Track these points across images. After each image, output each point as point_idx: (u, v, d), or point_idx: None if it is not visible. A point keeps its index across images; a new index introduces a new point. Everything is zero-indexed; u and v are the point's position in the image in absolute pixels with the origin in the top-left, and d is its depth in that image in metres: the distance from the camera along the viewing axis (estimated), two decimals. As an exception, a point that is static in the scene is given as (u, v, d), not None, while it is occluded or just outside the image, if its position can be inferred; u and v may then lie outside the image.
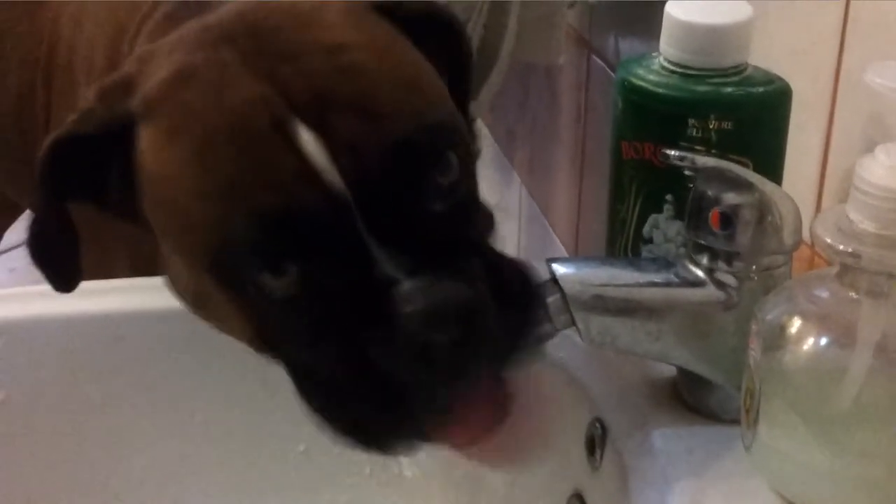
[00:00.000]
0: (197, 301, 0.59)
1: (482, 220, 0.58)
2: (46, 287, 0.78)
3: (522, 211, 1.49)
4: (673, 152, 0.55)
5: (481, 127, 1.60)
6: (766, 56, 0.67)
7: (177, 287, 0.61)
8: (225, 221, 0.51)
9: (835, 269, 0.53)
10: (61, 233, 0.58)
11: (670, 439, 0.60)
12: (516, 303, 0.55)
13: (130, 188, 0.57)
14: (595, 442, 0.64)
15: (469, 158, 0.57)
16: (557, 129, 1.29)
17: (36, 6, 0.87)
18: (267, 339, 0.56)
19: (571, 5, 1.03)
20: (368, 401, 0.53)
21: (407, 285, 0.50)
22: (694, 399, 0.62)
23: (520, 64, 1.25)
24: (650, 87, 0.63)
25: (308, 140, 0.51)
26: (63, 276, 0.61)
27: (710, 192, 0.57)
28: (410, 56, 0.57)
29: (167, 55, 0.57)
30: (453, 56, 0.63)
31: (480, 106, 1.01)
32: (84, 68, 0.76)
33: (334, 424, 0.56)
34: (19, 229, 1.44)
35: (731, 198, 0.57)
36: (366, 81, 0.53)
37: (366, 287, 0.51)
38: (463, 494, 0.73)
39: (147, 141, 0.55)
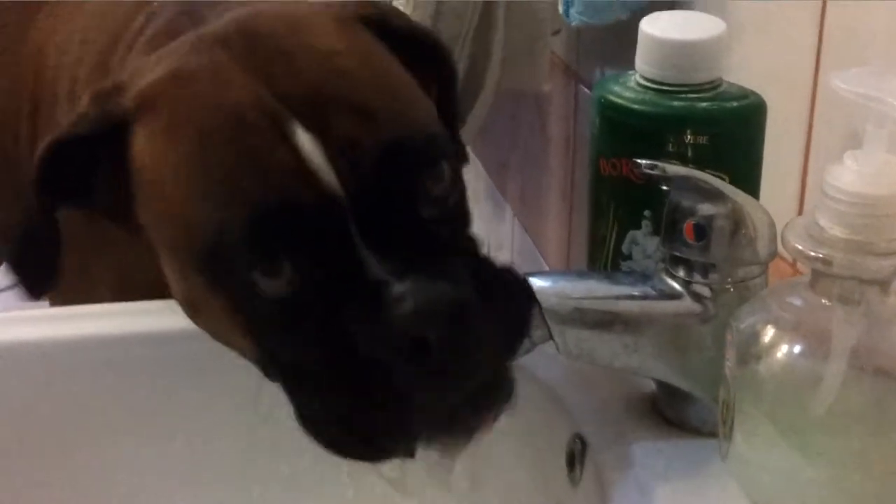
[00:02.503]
0: (191, 305, 0.59)
1: (471, 235, 0.59)
2: (26, 312, 0.79)
3: (515, 244, 1.49)
4: (644, 161, 0.56)
5: (473, 159, 1.61)
6: (744, 74, 0.67)
7: (174, 293, 0.61)
8: (220, 216, 0.52)
9: (807, 278, 0.53)
10: (48, 238, 0.58)
11: (649, 453, 0.60)
12: (509, 303, 0.55)
13: (122, 189, 0.57)
14: (575, 457, 0.63)
15: (458, 171, 0.58)
16: (548, 160, 1.29)
17: (22, 36, 0.87)
18: (258, 342, 0.56)
19: (555, 32, 1.04)
20: (362, 403, 0.53)
21: (398, 287, 0.51)
22: (673, 413, 0.62)
23: (508, 94, 1.25)
24: (626, 104, 0.64)
25: (304, 139, 0.52)
26: (39, 282, 0.61)
27: (684, 204, 0.57)
28: (397, 69, 0.59)
29: (160, 60, 0.58)
30: (440, 79, 0.64)
31: (467, 134, 1.01)
32: (69, 93, 0.77)
33: (328, 433, 0.55)
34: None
35: (704, 209, 0.57)
36: (358, 86, 0.54)
37: (356, 288, 0.51)
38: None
39: (143, 140, 0.56)
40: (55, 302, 0.87)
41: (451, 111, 0.64)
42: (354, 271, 0.52)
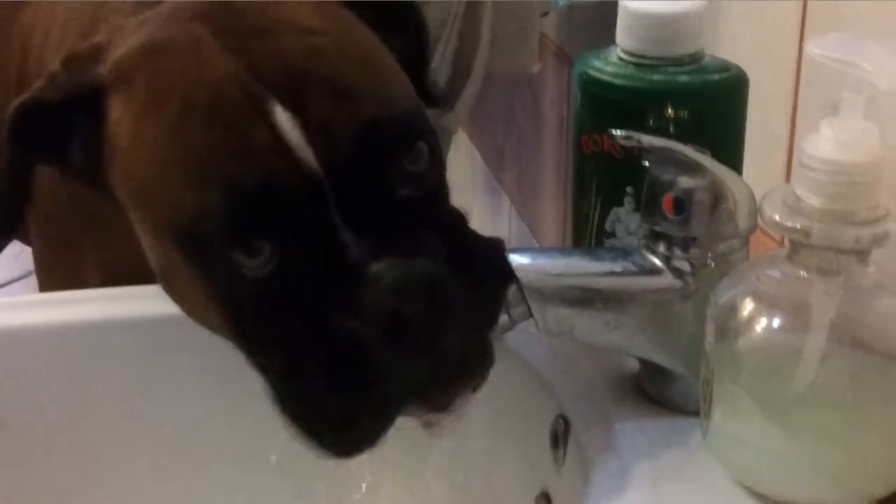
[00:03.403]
0: (164, 278, 0.59)
1: (455, 214, 0.58)
2: (14, 298, 0.79)
3: (512, 233, 1.48)
4: (619, 132, 0.55)
5: (470, 149, 1.60)
6: (729, 50, 0.67)
7: (149, 260, 0.60)
8: (198, 196, 0.52)
9: (787, 250, 0.52)
10: (16, 190, 0.58)
11: (632, 432, 0.59)
12: (485, 278, 0.55)
13: (97, 156, 0.57)
14: (558, 437, 0.63)
15: (438, 149, 0.57)
16: (542, 145, 1.29)
17: (9, 24, 0.87)
18: (233, 322, 0.56)
19: (544, 14, 1.03)
20: (338, 382, 0.52)
21: (375, 266, 0.51)
22: (656, 391, 0.61)
23: (503, 81, 1.25)
24: (606, 79, 0.63)
25: (283, 117, 0.51)
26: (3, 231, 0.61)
27: (663, 178, 0.57)
28: (376, 47, 0.58)
29: (138, 28, 0.58)
30: (409, 33, 0.63)
31: (457, 117, 1.01)
32: None
33: (304, 414, 0.54)
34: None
35: (683, 182, 0.56)
36: (337, 65, 0.54)
37: (334, 268, 0.51)
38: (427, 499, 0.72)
39: (121, 111, 0.55)
40: (45, 288, 0.87)
41: (421, 58, 0.63)
42: (333, 251, 0.51)
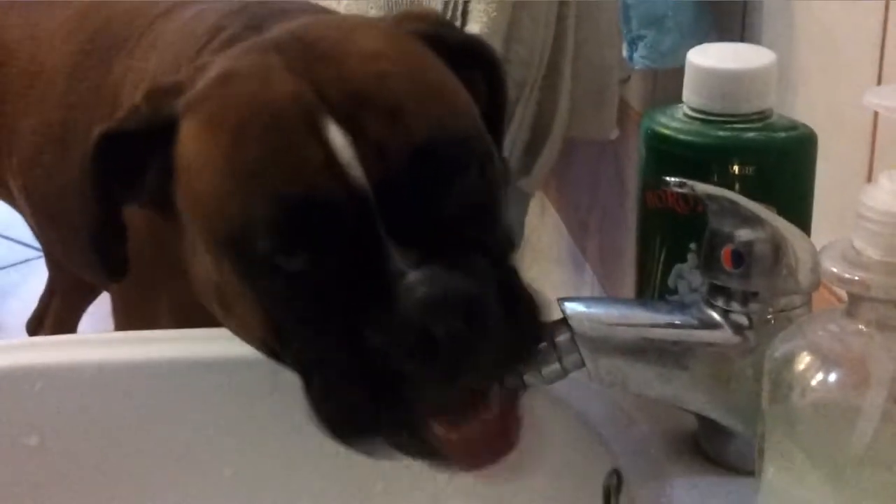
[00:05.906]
0: (217, 296, 0.60)
1: (505, 241, 0.59)
2: (83, 335, 0.81)
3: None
4: (673, 179, 0.54)
5: (555, 219, 1.60)
6: (804, 113, 0.66)
7: (205, 290, 0.62)
8: (248, 204, 0.54)
9: (846, 305, 0.51)
10: (111, 228, 0.62)
11: (686, 490, 0.58)
12: (521, 319, 0.55)
13: (168, 182, 0.60)
14: (610, 493, 0.61)
15: (495, 177, 0.58)
16: (625, 216, 1.28)
17: (105, 76, 0.91)
18: (277, 333, 0.57)
19: (624, 81, 1.04)
20: (370, 390, 0.53)
21: (413, 275, 0.51)
22: (713, 449, 0.60)
23: (588, 150, 1.25)
24: (672, 134, 0.63)
25: (336, 135, 0.53)
26: (114, 267, 0.64)
27: (723, 230, 0.56)
28: (442, 73, 0.60)
29: (218, 63, 0.61)
30: (492, 88, 0.65)
31: (533, 181, 1.01)
32: None
33: (334, 418, 0.56)
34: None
35: (743, 234, 0.55)
36: (397, 87, 0.56)
37: (376, 281, 0.52)
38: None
39: (187, 132, 0.58)
40: (120, 328, 0.89)
41: (500, 117, 0.65)
42: (377, 265, 0.52)
